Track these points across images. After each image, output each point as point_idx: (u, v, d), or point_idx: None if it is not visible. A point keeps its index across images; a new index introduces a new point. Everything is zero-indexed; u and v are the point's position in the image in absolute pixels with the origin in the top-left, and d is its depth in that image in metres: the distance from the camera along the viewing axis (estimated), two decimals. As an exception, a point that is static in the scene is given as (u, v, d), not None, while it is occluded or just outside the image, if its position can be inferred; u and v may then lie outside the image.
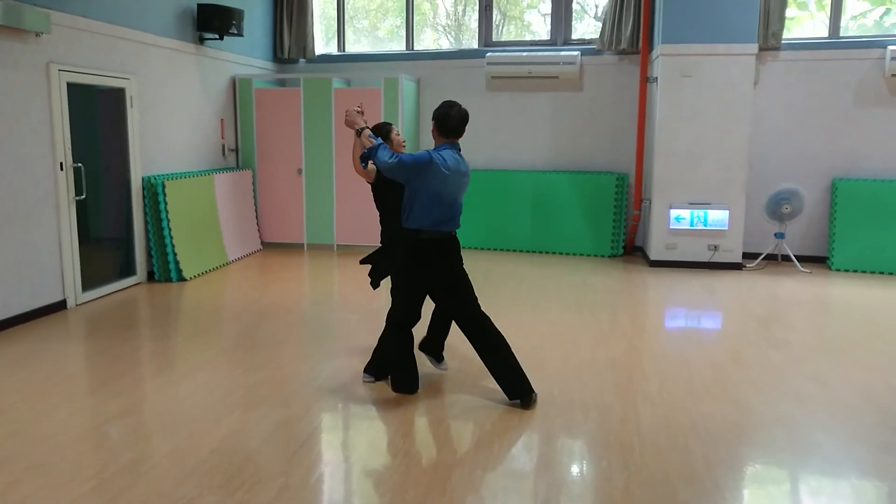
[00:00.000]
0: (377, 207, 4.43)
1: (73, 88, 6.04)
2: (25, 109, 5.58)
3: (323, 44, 9.93)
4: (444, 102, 4.11)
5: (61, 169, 5.92)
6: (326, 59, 9.70)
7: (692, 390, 4.31)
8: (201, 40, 7.97)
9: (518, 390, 4.05)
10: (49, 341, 5.24)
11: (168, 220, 7.02)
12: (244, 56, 8.91)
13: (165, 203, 6.98)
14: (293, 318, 5.97)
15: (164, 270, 7.09)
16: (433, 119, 4.08)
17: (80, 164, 6.10)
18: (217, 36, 7.96)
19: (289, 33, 9.57)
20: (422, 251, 4.04)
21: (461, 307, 4.16)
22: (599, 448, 3.55)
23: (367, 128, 4.17)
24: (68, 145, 5.97)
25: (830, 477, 3.29)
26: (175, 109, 7.57)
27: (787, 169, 8.29)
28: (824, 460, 3.44)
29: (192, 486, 3.11)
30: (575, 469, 3.39)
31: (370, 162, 4.09)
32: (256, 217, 8.93)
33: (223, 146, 8.60)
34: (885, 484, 3.22)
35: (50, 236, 5.88)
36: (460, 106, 4.08)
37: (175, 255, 7.07)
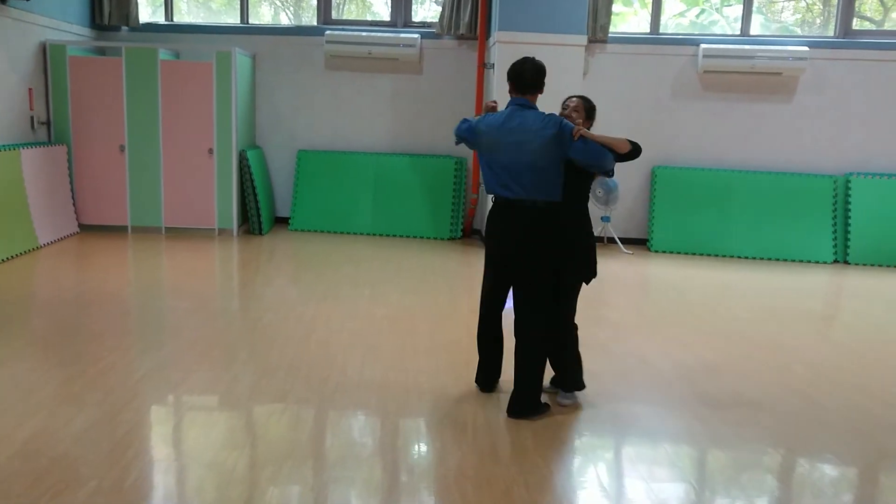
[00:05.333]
0: None
1: None
2: None
3: (150, 12, 9.26)
4: (520, 59, 3.79)
5: None
6: (152, 28, 9.04)
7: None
8: (3, 0, 7.15)
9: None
10: None
11: (-36, 200, 6.27)
12: (56, 20, 8.10)
13: (-40, 180, 6.23)
14: (115, 307, 5.53)
15: (-41, 256, 6.34)
16: (508, 79, 3.77)
17: None
18: (23, -5, 7.18)
19: (109, -2, 8.82)
20: (490, 219, 3.83)
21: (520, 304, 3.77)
22: (432, 426, 3.57)
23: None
24: None
25: (649, 444, 3.50)
26: (-28, 75, 6.76)
27: (613, 156, 8.76)
28: (643, 430, 3.67)
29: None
30: (413, 449, 3.38)
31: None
32: (73, 197, 8.19)
33: (32, 119, 7.79)
34: (695, 450, 3.48)
35: None
36: (535, 59, 3.77)
37: (-27, 238, 6.34)
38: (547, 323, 3.74)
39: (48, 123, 8.09)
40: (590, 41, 8.36)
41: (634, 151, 3.75)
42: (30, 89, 7.74)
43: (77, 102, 8.11)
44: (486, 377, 4.01)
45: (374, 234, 8.84)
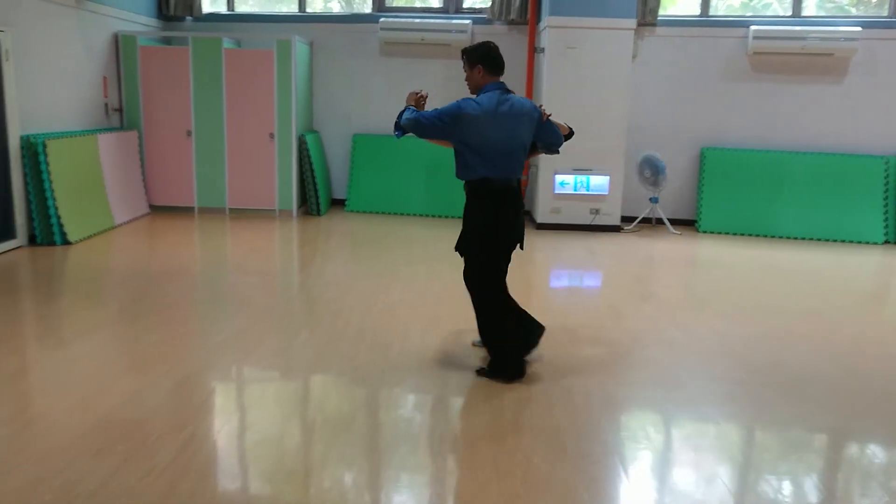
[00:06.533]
0: None
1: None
2: None
3: (210, 1, 9.67)
4: (475, 44, 3.94)
5: (-68, 125, 5.59)
6: (215, 17, 9.47)
7: (573, 339, 4.70)
8: (81, -7, 7.62)
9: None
10: (-75, 305, 5.02)
11: (50, 182, 6.75)
12: (126, 11, 8.56)
13: (47, 163, 6.70)
14: (187, 281, 5.95)
15: (46, 233, 6.83)
16: (477, 60, 3.87)
17: (-48, 121, 5.78)
18: (99, -11, 7.63)
19: (174, -10, 9.26)
20: (480, 203, 3.91)
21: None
22: (489, 392, 3.84)
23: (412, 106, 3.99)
24: (-61, 100, 5.65)
25: (691, 407, 3.73)
26: (54, 66, 7.23)
27: (661, 138, 8.90)
28: (686, 394, 3.89)
29: (94, 441, 3.14)
30: (470, 407, 3.67)
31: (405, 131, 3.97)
32: (143, 179, 8.68)
33: (106, 105, 8.28)
34: (737, 410, 3.69)
35: (-79, 196, 5.57)
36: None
37: (59, 217, 6.81)
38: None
39: (121, 110, 8.58)
40: (639, 24, 8.48)
41: (570, 135, 4.14)
42: (104, 78, 8.22)
43: (147, 90, 8.57)
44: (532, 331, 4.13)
45: (426, 216, 9.14)
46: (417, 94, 4.06)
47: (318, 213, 8.96)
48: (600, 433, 3.39)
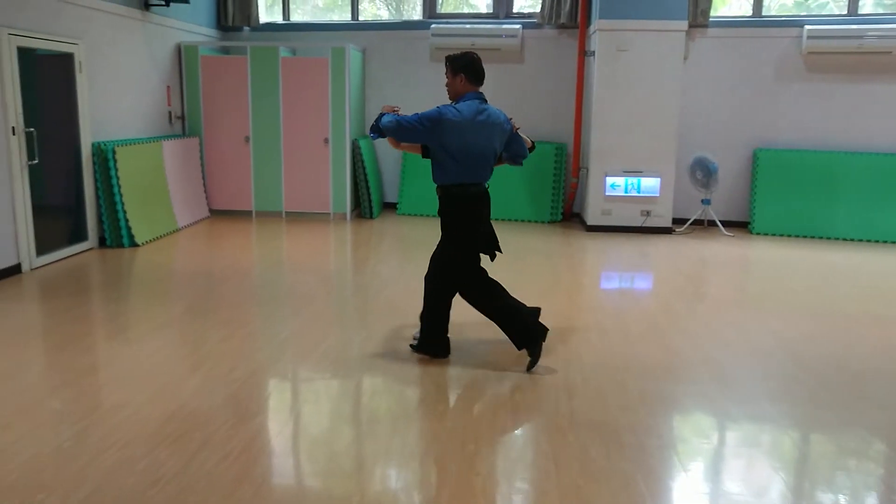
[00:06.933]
0: None
1: (20, 53, 6.02)
2: (-24, 73, 5.58)
3: (266, 11, 9.97)
4: (457, 54, 4.09)
5: (13, 133, 5.92)
6: (271, 27, 9.76)
7: (627, 337, 4.76)
8: (147, 6, 7.95)
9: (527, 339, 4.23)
10: (10, 302, 5.33)
11: (119, 186, 7.07)
12: (188, 23, 8.90)
13: (116, 169, 7.03)
14: (250, 281, 6.17)
15: (115, 236, 7.16)
16: (460, 69, 4.02)
17: (32, 129, 6.11)
18: (163, 2, 7.96)
19: (233, 0, 9.57)
20: (455, 206, 4.07)
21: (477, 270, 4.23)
22: (547, 387, 3.93)
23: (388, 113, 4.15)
24: (20, 110, 5.97)
25: (748, 404, 3.75)
26: (122, 76, 7.57)
27: (713, 139, 8.86)
28: (743, 391, 3.92)
29: (172, 429, 3.34)
30: (527, 403, 3.76)
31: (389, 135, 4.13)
32: (204, 184, 9.00)
33: (170, 113, 8.62)
34: (794, 408, 3.71)
35: (3, 201, 5.90)
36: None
37: (126, 220, 7.14)
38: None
39: (183, 117, 8.91)
40: (690, 26, 8.47)
41: (532, 148, 4.38)
42: (167, 87, 8.56)
43: (207, 98, 8.89)
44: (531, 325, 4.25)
45: (476, 218, 9.24)
46: (392, 108, 4.24)
47: (371, 216, 9.16)
48: (656, 428, 3.45)
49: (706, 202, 8.67)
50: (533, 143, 4.39)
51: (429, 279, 4.25)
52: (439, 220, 4.21)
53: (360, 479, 2.96)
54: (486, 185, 4.14)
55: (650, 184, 8.38)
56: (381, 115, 4.13)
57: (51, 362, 4.18)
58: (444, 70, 4.13)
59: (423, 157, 4.26)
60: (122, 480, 2.87)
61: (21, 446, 3.14)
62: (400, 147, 4.35)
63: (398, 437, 3.31)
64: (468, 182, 4.04)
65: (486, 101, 4.11)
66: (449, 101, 4.15)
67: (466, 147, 3.97)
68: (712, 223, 8.84)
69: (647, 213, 8.47)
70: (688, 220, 8.83)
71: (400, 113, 4.16)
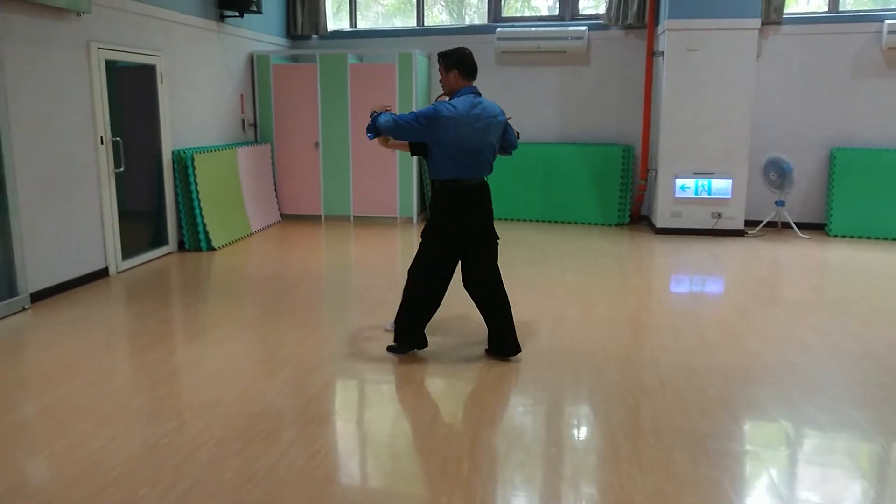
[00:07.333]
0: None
1: (107, 65, 6.30)
2: (68, 86, 5.86)
3: (334, 19, 10.16)
4: (449, 50, 4.15)
5: (101, 143, 6.21)
6: (339, 34, 9.95)
7: (703, 341, 4.69)
8: (222, 18, 8.21)
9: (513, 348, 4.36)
10: (100, 304, 5.58)
11: (197, 192, 7.32)
12: (260, 33, 9.15)
13: (195, 175, 7.28)
14: (320, 283, 6.32)
15: (194, 240, 7.42)
16: (453, 65, 4.09)
17: (118, 139, 6.39)
18: (237, 13, 8.21)
19: (302, 9, 9.79)
20: (453, 201, 4.13)
21: (488, 266, 4.33)
22: (625, 390, 3.92)
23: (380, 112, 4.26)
24: (107, 120, 6.26)
25: (833, 410, 3.66)
26: (199, 85, 7.84)
27: (788, 139, 8.63)
28: (827, 397, 3.82)
29: (262, 427, 3.46)
30: (606, 406, 3.76)
31: (383, 135, 4.26)
32: (275, 189, 9.23)
33: (243, 121, 8.88)
34: (880, 414, 3.60)
35: (92, 207, 6.18)
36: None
37: (204, 225, 7.39)
38: None
39: (255, 125, 9.17)
40: (763, 23, 8.28)
41: (517, 137, 4.40)
42: (241, 95, 8.82)
43: (279, 105, 9.12)
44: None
45: (542, 221, 9.25)
46: (385, 107, 4.32)
47: (437, 220, 9.23)
48: (739, 433, 3.41)
49: (780, 203, 8.45)
50: (518, 133, 4.42)
51: (411, 271, 4.38)
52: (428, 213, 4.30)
53: (447, 479, 3.02)
54: (483, 179, 4.21)
55: (721, 185, 8.23)
56: (377, 114, 4.21)
57: (142, 362, 4.37)
58: (438, 66, 4.21)
59: (412, 154, 4.35)
60: (218, 476, 2.99)
61: (121, 442, 3.30)
62: (388, 145, 4.49)
63: (482, 441, 3.35)
64: (464, 178, 4.11)
65: (480, 95, 4.18)
66: (437, 98, 4.27)
67: (462, 142, 4.03)
68: (786, 225, 8.62)
69: (719, 216, 8.32)
70: (761, 222, 8.63)
71: (390, 110, 4.28)
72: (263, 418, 3.54)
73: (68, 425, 3.47)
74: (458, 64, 4.12)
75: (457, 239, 4.23)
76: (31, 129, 5.47)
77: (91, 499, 2.83)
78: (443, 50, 4.22)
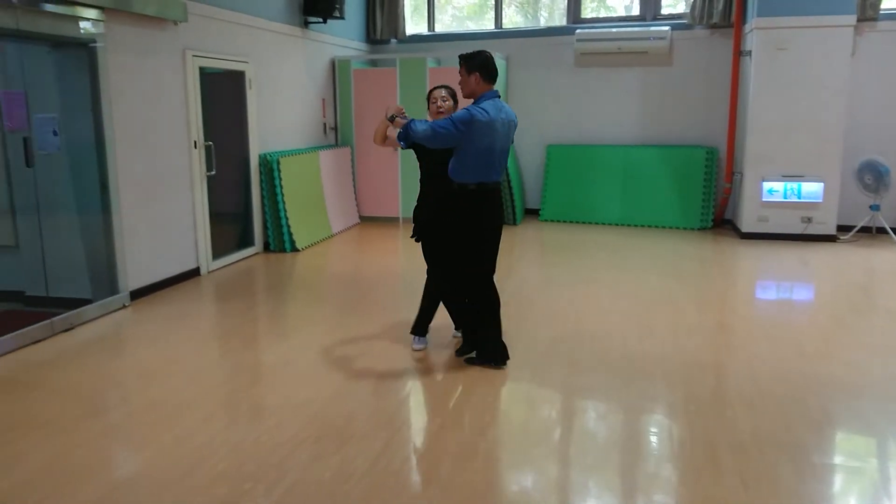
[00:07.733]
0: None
1: (200, 72, 6.53)
2: (165, 93, 6.09)
3: (412, 23, 10.26)
4: (471, 52, 4.10)
5: (195, 147, 6.43)
6: (417, 38, 10.04)
7: (802, 351, 4.53)
8: (306, 24, 8.40)
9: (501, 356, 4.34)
10: (194, 303, 5.79)
11: (282, 195, 7.51)
12: (341, 38, 9.32)
13: (280, 178, 7.47)
14: (399, 284, 6.39)
15: (278, 241, 7.60)
16: (475, 68, 4.03)
17: (210, 143, 6.60)
18: (321, 19, 8.38)
19: (381, 14, 9.92)
20: (476, 203, 4.11)
21: (489, 265, 4.29)
22: (722, 401, 3.82)
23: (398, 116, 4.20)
24: (200, 125, 6.48)
25: (947, 428, 3.49)
26: (284, 90, 8.04)
27: (884, 141, 8.27)
28: (940, 414, 3.65)
29: (358, 426, 3.51)
30: (704, 417, 3.67)
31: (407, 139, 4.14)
32: (355, 192, 9.38)
33: (324, 125, 9.06)
34: None
35: (186, 209, 6.41)
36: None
37: (289, 227, 7.56)
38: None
39: (336, 128, 9.34)
40: (858, 20, 7.95)
41: None
42: (322, 99, 8.99)
43: (358, 109, 9.26)
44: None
45: (621, 225, 9.11)
46: (399, 109, 4.24)
47: (514, 223, 9.21)
48: (846, 448, 3.28)
49: (875, 208, 8.10)
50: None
51: (456, 293, 4.46)
52: (448, 215, 4.22)
53: (546, 483, 3.00)
54: (499, 180, 4.24)
55: (812, 189, 7.93)
56: (408, 120, 4.10)
57: (239, 360, 4.50)
58: (459, 68, 4.14)
59: (403, 148, 4.26)
60: (318, 474, 3.06)
61: (225, 437, 3.41)
62: (385, 144, 4.42)
63: (573, 447, 3.33)
64: (487, 180, 4.11)
65: (500, 98, 4.15)
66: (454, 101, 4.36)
67: (493, 145, 4.04)
68: (882, 230, 8.24)
69: (809, 220, 8.02)
70: (854, 227, 8.29)
71: (403, 111, 4.24)
72: (359, 418, 3.60)
73: (174, 419, 3.60)
74: (480, 67, 4.08)
75: (483, 240, 4.22)
76: (131, 133, 5.71)
77: (203, 489, 2.94)
78: (465, 53, 4.15)
